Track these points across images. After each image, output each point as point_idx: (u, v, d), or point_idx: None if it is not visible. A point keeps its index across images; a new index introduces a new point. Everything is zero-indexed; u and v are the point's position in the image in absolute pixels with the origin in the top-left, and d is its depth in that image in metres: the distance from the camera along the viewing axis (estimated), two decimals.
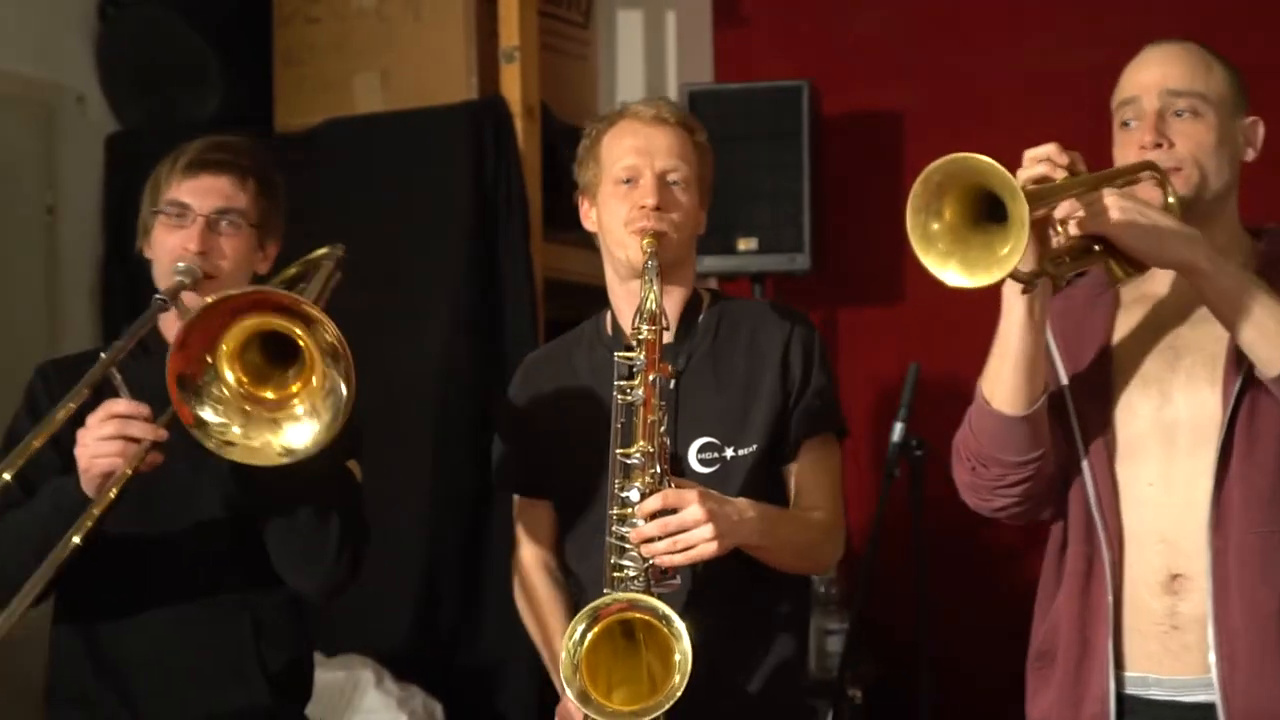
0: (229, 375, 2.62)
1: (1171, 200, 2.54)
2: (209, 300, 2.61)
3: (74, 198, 4.95)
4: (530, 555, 3.09)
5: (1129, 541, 2.62)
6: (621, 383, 2.75)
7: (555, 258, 5.01)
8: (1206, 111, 2.59)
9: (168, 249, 2.91)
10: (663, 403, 2.73)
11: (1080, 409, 2.68)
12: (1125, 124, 2.65)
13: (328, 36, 5.05)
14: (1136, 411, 2.64)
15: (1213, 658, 2.51)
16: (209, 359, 2.61)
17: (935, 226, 2.33)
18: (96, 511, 2.61)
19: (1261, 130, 2.69)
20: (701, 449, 2.86)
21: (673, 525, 2.65)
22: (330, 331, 2.59)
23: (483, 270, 4.78)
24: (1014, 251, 2.25)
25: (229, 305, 2.59)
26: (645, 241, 2.82)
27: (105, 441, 2.64)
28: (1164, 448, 2.61)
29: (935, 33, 5.38)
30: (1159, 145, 2.58)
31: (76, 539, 2.58)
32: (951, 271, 2.33)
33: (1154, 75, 2.63)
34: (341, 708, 4.32)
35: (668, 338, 2.92)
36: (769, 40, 5.62)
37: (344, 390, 2.62)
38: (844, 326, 5.37)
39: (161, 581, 2.89)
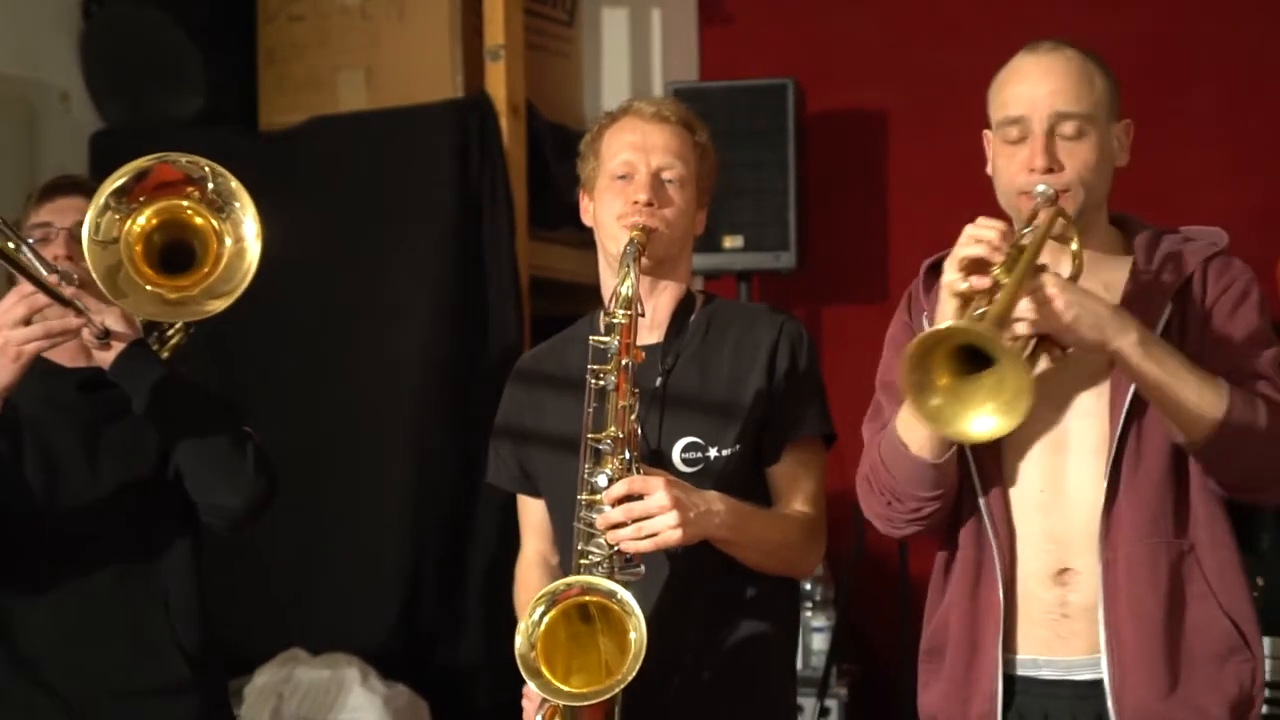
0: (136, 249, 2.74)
1: (1075, 246, 2.59)
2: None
3: None
4: (530, 551, 3.10)
5: (1020, 542, 2.67)
6: (594, 367, 2.75)
7: (540, 255, 5.02)
8: (1091, 131, 2.63)
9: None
10: (635, 389, 2.73)
11: None
12: (1011, 141, 2.67)
13: (311, 34, 5.05)
14: (1033, 422, 2.62)
15: (1103, 650, 2.58)
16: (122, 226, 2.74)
17: (936, 401, 2.36)
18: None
19: (1132, 132, 2.73)
20: (685, 448, 2.86)
21: (637, 511, 2.66)
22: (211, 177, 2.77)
23: (467, 268, 4.78)
24: (1026, 391, 2.29)
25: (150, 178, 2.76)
26: (636, 234, 2.82)
27: (21, 326, 2.77)
28: (1053, 455, 2.66)
29: (919, 31, 5.39)
30: (1049, 169, 2.61)
31: None
32: (977, 424, 2.36)
33: (1041, 93, 2.64)
34: (327, 706, 4.32)
35: (659, 337, 2.93)
36: (754, 39, 5.63)
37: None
38: (829, 324, 5.38)
39: (67, 564, 2.94)
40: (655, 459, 2.82)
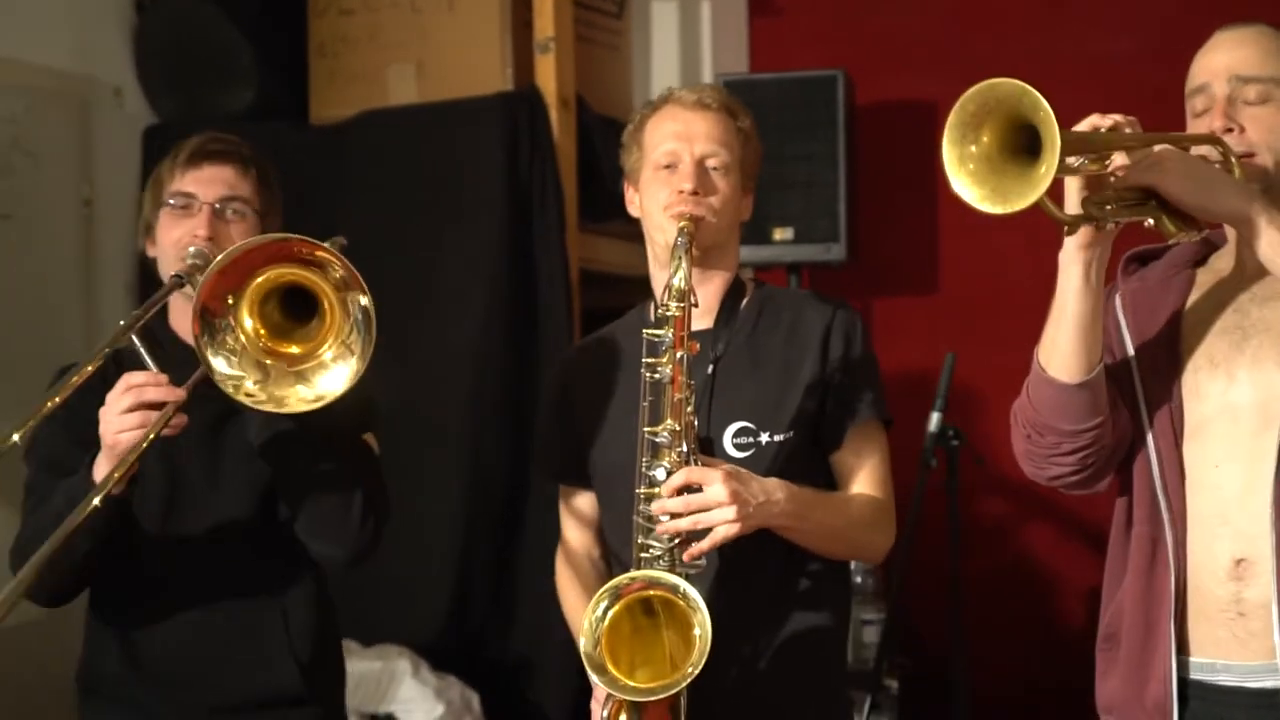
0: (248, 323, 2.61)
1: (1236, 174, 2.51)
2: (236, 246, 2.60)
3: (111, 191, 4.96)
4: (573, 543, 3.09)
5: (1193, 524, 2.57)
6: (649, 360, 2.75)
7: (590, 248, 5.02)
8: (1277, 94, 2.56)
9: (174, 239, 2.90)
10: (690, 380, 2.72)
11: (1147, 385, 2.64)
12: (1198, 113, 2.62)
13: (361, 28, 5.06)
14: (1203, 392, 2.60)
15: (1278, 641, 2.47)
16: (230, 302, 2.60)
17: (972, 149, 2.31)
18: (117, 475, 2.59)
19: None
20: (737, 434, 2.85)
21: (695, 504, 2.66)
22: (344, 270, 2.60)
23: (518, 261, 4.78)
24: (1045, 174, 2.21)
25: (252, 252, 2.59)
26: (682, 224, 2.82)
27: (125, 415, 2.64)
28: (1229, 429, 2.56)
29: (969, 21, 5.36)
30: (1229, 130, 2.54)
31: (96, 501, 2.56)
32: (980, 192, 2.30)
33: (1223, 60, 2.59)
34: (379, 698, 4.33)
35: (709, 323, 2.93)
36: (803, 30, 5.61)
37: (369, 326, 2.63)
38: (879, 316, 5.36)
39: (189, 578, 2.89)
40: (705, 444, 2.81)
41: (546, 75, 4.84)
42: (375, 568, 4.68)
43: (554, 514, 4.64)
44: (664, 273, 2.87)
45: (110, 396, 2.66)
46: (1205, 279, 2.68)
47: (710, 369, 2.89)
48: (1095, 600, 2.80)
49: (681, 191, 2.87)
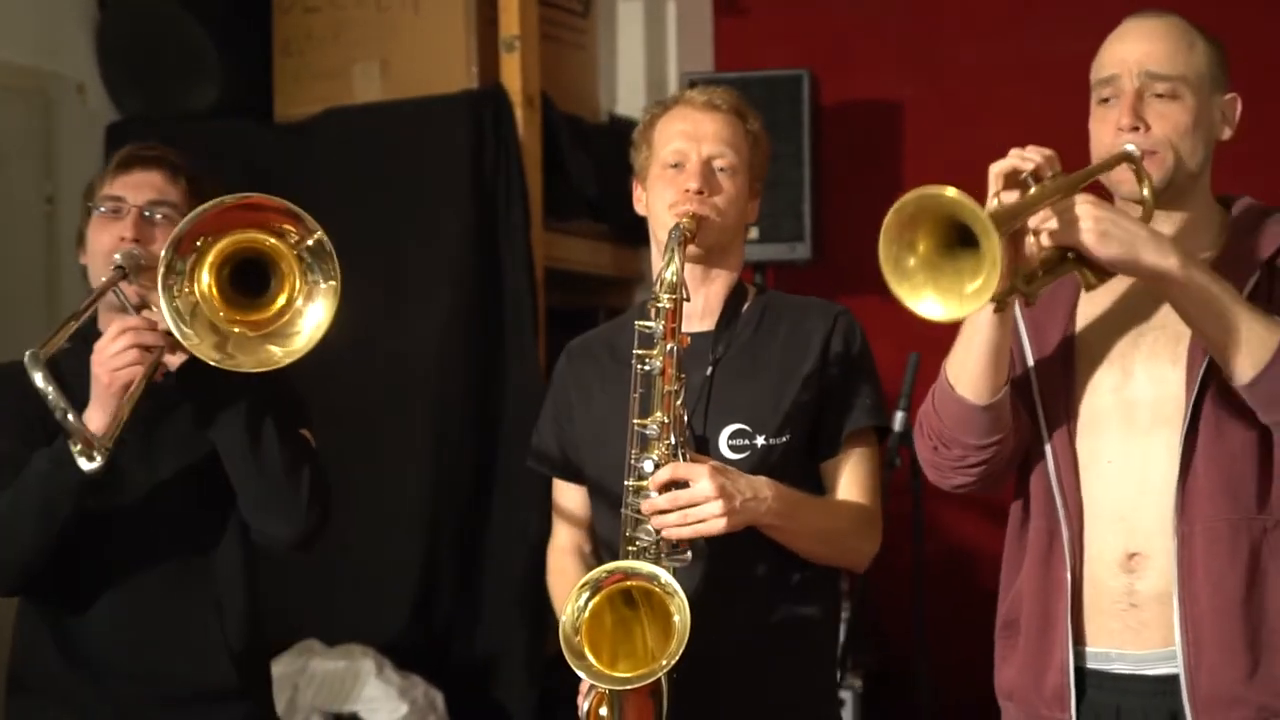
0: (205, 281, 2.69)
1: (1146, 193, 2.53)
2: (207, 205, 2.67)
3: (73, 187, 4.89)
4: (564, 538, 3.09)
5: (1088, 518, 2.62)
6: (640, 351, 2.75)
7: (555, 247, 5.02)
8: (1185, 93, 2.57)
9: (103, 243, 2.94)
10: (681, 374, 2.73)
11: (1044, 389, 2.67)
12: (1104, 100, 2.63)
13: (326, 26, 5.05)
14: (1098, 388, 2.63)
15: (1178, 640, 2.52)
16: (192, 262, 2.68)
17: (910, 261, 2.32)
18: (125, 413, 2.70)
19: (1239, 107, 2.67)
20: (732, 435, 2.86)
21: (682, 499, 2.67)
22: (298, 230, 2.71)
23: (483, 260, 4.78)
24: (986, 285, 2.23)
25: (225, 212, 2.67)
26: (685, 221, 2.82)
27: (122, 353, 2.71)
28: (1124, 426, 2.60)
29: (935, 22, 5.38)
30: (1135, 128, 2.56)
31: (99, 460, 2.66)
32: (929, 302, 2.32)
33: (1134, 53, 2.60)
34: (342, 697, 4.32)
35: (710, 325, 2.94)
36: (769, 30, 5.62)
37: (325, 258, 2.73)
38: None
39: (124, 569, 2.91)
40: (702, 446, 2.82)
41: (511, 74, 4.85)
42: (339, 566, 4.71)
43: (519, 513, 4.65)
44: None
45: (104, 340, 2.74)
46: (1107, 281, 2.70)
47: (709, 370, 2.90)
48: None
49: (687, 190, 2.87)
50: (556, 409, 3.07)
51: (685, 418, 2.75)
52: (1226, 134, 2.66)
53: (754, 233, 4.96)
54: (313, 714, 4.27)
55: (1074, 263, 2.47)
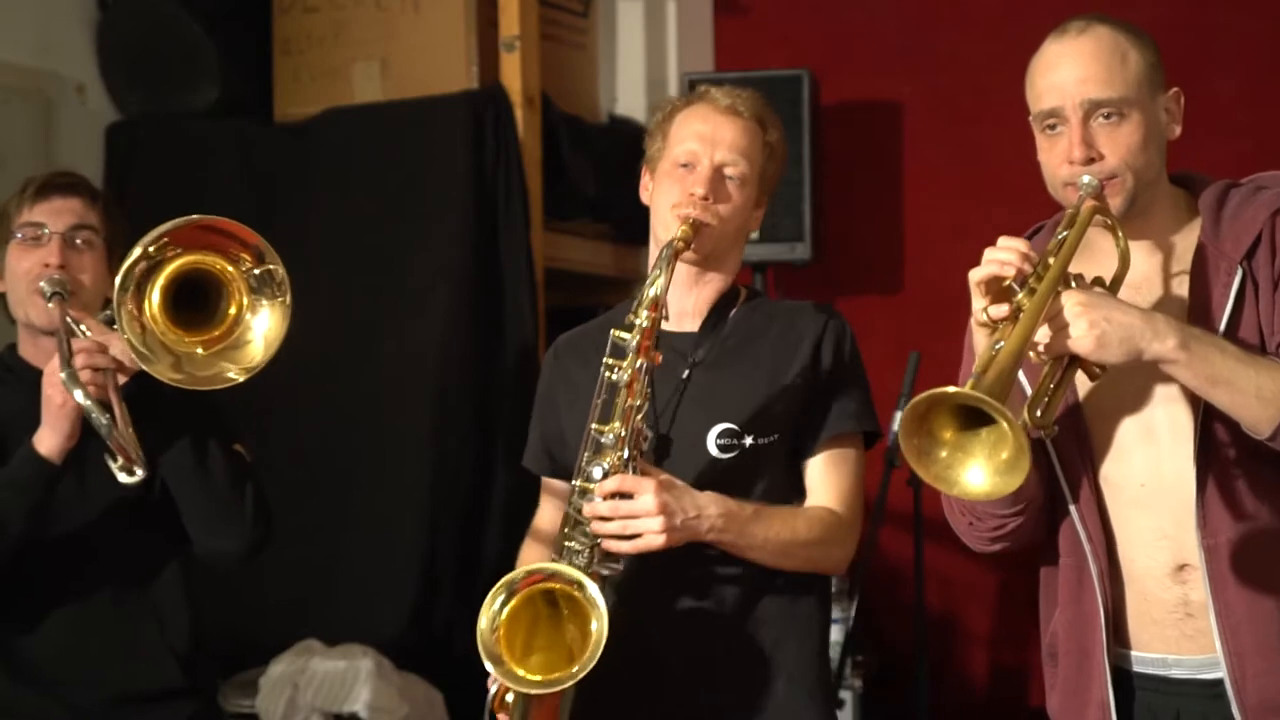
0: (155, 299, 2.69)
1: (1121, 245, 2.53)
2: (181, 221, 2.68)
3: None
4: (542, 524, 3.09)
5: (1131, 538, 2.61)
6: (610, 360, 2.75)
7: (555, 247, 5.02)
8: (1130, 112, 2.55)
9: (25, 269, 2.96)
10: (647, 389, 2.73)
11: (1058, 436, 2.62)
12: (1049, 128, 2.60)
13: (326, 26, 5.05)
14: (1117, 415, 2.62)
15: (1220, 651, 2.52)
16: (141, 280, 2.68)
17: (942, 453, 2.31)
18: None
19: (1182, 100, 2.65)
20: (720, 434, 2.85)
21: (623, 510, 2.68)
22: (251, 259, 2.71)
23: (483, 259, 4.78)
24: (1021, 455, 2.23)
25: (192, 229, 2.68)
26: (681, 230, 2.81)
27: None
28: (1148, 447, 2.60)
29: (934, 22, 5.38)
30: (1090, 160, 2.54)
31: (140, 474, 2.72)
32: (976, 478, 2.31)
33: (1071, 81, 2.56)
34: (342, 698, 4.32)
35: (696, 326, 2.94)
36: (769, 29, 5.62)
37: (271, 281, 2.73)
38: (844, 316, 5.37)
39: (62, 579, 2.95)
40: (664, 444, 2.83)
41: (511, 74, 4.84)
42: (339, 566, 4.71)
43: (519, 512, 4.64)
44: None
45: (54, 364, 2.76)
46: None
47: (686, 374, 2.90)
48: None
49: (693, 194, 2.87)
50: (543, 408, 3.07)
51: (643, 431, 2.75)
52: (1176, 131, 2.64)
53: (754, 233, 4.97)
54: (313, 714, 4.26)
55: (1075, 365, 2.46)
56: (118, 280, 2.63)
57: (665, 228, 2.89)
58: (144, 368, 2.67)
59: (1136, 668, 2.63)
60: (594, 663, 2.56)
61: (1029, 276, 2.41)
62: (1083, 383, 2.60)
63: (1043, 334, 2.40)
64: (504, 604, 2.65)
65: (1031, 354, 2.42)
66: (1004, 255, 2.43)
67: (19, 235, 2.96)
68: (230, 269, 2.70)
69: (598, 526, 2.69)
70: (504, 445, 4.70)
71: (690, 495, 2.72)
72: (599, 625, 2.57)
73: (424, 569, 4.67)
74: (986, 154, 5.15)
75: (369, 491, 4.73)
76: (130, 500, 2.93)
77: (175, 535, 3.00)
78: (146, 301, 2.67)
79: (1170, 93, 2.64)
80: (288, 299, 2.70)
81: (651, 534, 2.67)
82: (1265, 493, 2.53)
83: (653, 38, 5.65)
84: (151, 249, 2.64)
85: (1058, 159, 2.58)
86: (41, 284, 2.89)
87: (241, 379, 2.71)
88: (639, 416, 2.72)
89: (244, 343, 2.72)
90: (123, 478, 2.72)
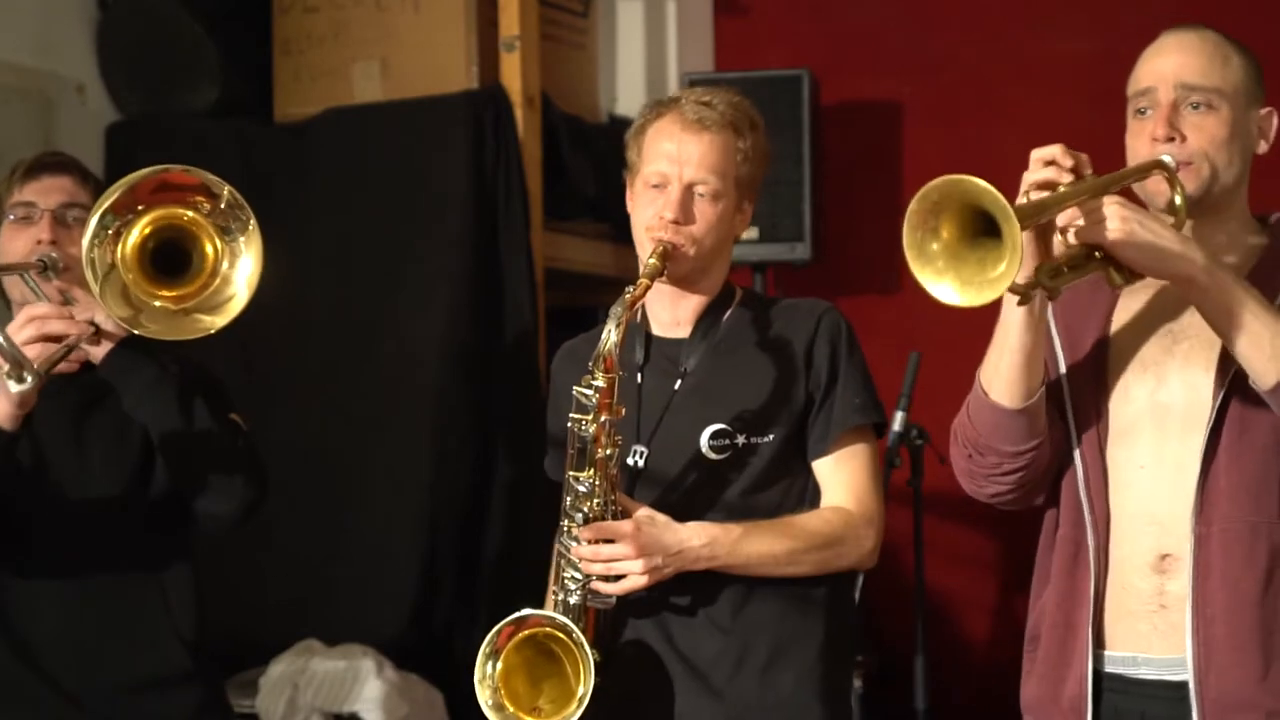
0: (131, 241, 2.66)
1: (1179, 200, 2.53)
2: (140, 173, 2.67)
3: None
4: None
5: (1119, 523, 2.62)
6: (576, 416, 2.78)
7: (555, 247, 5.02)
8: (1221, 105, 2.57)
9: (18, 249, 2.96)
10: (616, 438, 2.78)
11: (1076, 395, 2.68)
12: (1140, 112, 2.63)
13: (326, 26, 5.05)
14: (1131, 395, 2.64)
15: (1188, 640, 2.53)
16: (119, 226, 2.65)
17: (934, 246, 2.33)
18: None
19: (1276, 121, 2.68)
20: (713, 435, 2.86)
21: (604, 555, 2.75)
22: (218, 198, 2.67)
23: (483, 260, 4.78)
24: (1007, 273, 2.24)
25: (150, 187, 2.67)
26: (653, 256, 2.81)
27: (26, 346, 2.69)
28: (1156, 430, 2.61)
29: (935, 22, 5.38)
30: (1171, 139, 2.56)
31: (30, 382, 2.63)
32: (946, 287, 2.33)
33: (1170, 65, 2.60)
34: (342, 697, 4.32)
35: (685, 333, 2.96)
36: (769, 29, 5.62)
37: (238, 213, 2.68)
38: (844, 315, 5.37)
39: (64, 556, 2.94)
40: (682, 447, 2.86)
41: (512, 74, 4.84)
42: (339, 566, 4.71)
43: (519, 512, 4.65)
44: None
45: (10, 328, 2.72)
46: (1135, 283, 2.70)
47: (678, 379, 2.92)
48: None
49: (663, 218, 2.86)
50: (553, 416, 3.07)
51: (617, 475, 2.81)
52: (1263, 148, 2.67)
53: (754, 233, 4.96)
54: (313, 714, 4.27)
55: (1100, 261, 2.47)
56: (84, 245, 2.61)
57: (640, 246, 2.90)
58: (133, 331, 2.67)
59: (1108, 667, 2.63)
60: (588, 697, 2.71)
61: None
62: (1113, 361, 2.64)
63: (1069, 215, 2.42)
64: (494, 665, 2.80)
65: (1058, 237, 2.44)
66: (1064, 160, 2.44)
67: (11, 216, 2.98)
68: (196, 216, 2.68)
69: (586, 566, 2.77)
70: (504, 445, 4.71)
71: (671, 530, 2.76)
72: (585, 678, 2.72)
73: (424, 569, 4.67)
74: (986, 154, 5.14)
75: (369, 491, 4.73)
76: (131, 469, 2.94)
77: (182, 511, 2.98)
78: (122, 244, 2.64)
79: (1264, 111, 2.66)
80: (251, 221, 2.65)
81: (634, 575, 2.74)
82: (1266, 488, 2.53)
83: (653, 38, 5.65)
84: (110, 218, 2.63)
85: (1143, 139, 2.60)
86: (34, 259, 2.90)
87: (222, 322, 2.67)
88: (611, 464, 2.77)
89: (227, 295, 2.68)
90: (12, 385, 2.63)
